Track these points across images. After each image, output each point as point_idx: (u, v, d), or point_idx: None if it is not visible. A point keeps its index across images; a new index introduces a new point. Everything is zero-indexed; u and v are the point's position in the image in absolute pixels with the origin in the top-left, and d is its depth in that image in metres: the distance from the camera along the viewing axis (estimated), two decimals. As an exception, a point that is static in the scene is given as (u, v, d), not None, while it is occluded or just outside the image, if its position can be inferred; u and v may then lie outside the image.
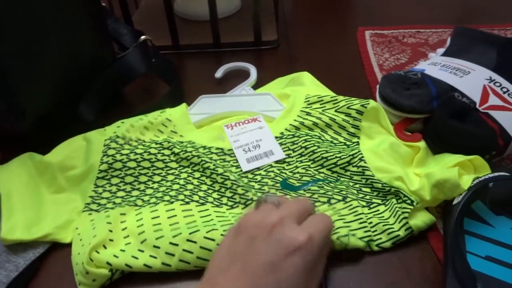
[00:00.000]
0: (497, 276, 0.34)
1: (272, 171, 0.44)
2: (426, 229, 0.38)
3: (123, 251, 0.36)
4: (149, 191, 0.43)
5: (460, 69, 0.49)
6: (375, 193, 0.42)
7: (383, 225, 0.38)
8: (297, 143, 0.46)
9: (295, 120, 0.49)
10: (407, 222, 0.38)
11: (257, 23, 0.65)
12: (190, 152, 0.45)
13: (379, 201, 0.41)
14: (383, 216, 0.39)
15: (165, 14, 0.64)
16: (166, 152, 0.46)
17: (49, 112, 0.47)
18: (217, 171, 0.43)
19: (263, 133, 0.48)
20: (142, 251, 0.37)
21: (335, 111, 0.48)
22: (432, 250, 0.38)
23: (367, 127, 0.47)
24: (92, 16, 0.50)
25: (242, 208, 0.41)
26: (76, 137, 0.46)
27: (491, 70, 0.48)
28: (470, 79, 0.47)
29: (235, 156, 0.46)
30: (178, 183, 0.43)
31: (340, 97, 0.49)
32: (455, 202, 0.37)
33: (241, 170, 0.45)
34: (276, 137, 0.48)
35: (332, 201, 0.40)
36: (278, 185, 0.43)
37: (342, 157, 0.44)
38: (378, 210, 0.40)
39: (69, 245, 0.39)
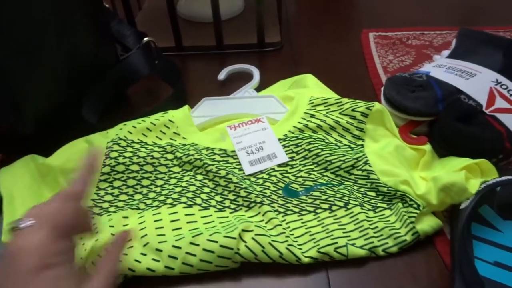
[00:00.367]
0: (506, 282, 0.33)
1: (275, 175, 0.44)
2: (433, 233, 0.38)
3: (126, 254, 0.36)
4: (151, 195, 0.42)
5: (465, 71, 0.48)
6: (380, 197, 0.41)
7: (389, 230, 0.38)
8: (300, 146, 0.46)
9: (298, 122, 0.48)
10: (414, 227, 0.37)
11: (261, 24, 0.65)
12: (193, 155, 0.44)
13: (385, 205, 0.40)
14: (389, 221, 0.39)
15: (168, 15, 0.63)
16: (169, 156, 0.45)
17: (50, 113, 0.46)
18: (220, 174, 0.42)
19: (266, 135, 0.48)
20: (145, 254, 0.36)
21: (340, 113, 0.48)
22: (439, 255, 0.37)
23: (372, 129, 0.46)
24: (93, 17, 0.50)
25: (245, 211, 0.40)
26: (78, 139, 0.46)
27: (497, 72, 0.47)
28: (476, 82, 0.47)
29: (238, 158, 0.46)
30: (180, 185, 0.42)
31: (345, 100, 0.48)
32: (462, 206, 0.36)
33: (244, 173, 0.44)
34: (279, 139, 0.47)
35: (334, 207, 0.40)
36: (280, 191, 0.42)
37: (346, 160, 0.43)
38: (383, 214, 0.40)
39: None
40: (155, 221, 0.38)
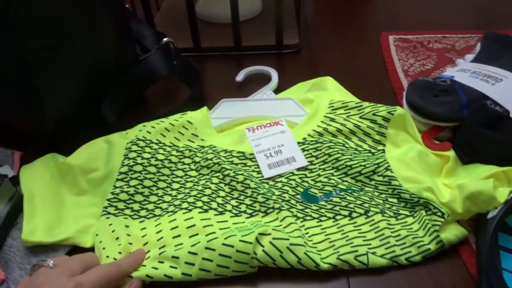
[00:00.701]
0: (535, 295, 0.32)
1: (294, 180, 0.43)
2: (457, 242, 0.37)
3: (144, 266, 0.36)
4: (167, 198, 0.42)
5: (491, 76, 0.47)
6: (402, 204, 0.40)
7: (413, 238, 0.37)
8: (320, 150, 0.45)
9: (318, 126, 0.47)
10: (438, 235, 0.36)
11: (279, 26, 0.64)
12: (211, 159, 0.44)
13: (407, 213, 0.39)
14: (411, 228, 0.38)
15: (186, 16, 0.63)
16: (187, 161, 0.45)
17: (71, 112, 0.47)
18: (237, 178, 0.42)
19: (285, 138, 0.47)
20: (162, 262, 0.36)
21: (360, 117, 0.47)
22: (464, 266, 0.36)
23: (393, 134, 0.45)
24: (115, 17, 0.50)
25: (262, 216, 0.40)
26: (98, 139, 0.46)
27: (525, 77, 0.46)
28: (503, 87, 0.45)
29: (256, 161, 0.45)
30: (196, 189, 0.42)
31: (366, 103, 0.47)
32: (490, 215, 0.35)
33: (262, 176, 0.44)
34: (298, 143, 0.47)
35: (354, 214, 0.39)
36: (298, 196, 0.41)
37: (367, 165, 0.43)
38: (406, 222, 0.39)
39: (89, 249, 0.38)
40: (171, 229, 0.38)
